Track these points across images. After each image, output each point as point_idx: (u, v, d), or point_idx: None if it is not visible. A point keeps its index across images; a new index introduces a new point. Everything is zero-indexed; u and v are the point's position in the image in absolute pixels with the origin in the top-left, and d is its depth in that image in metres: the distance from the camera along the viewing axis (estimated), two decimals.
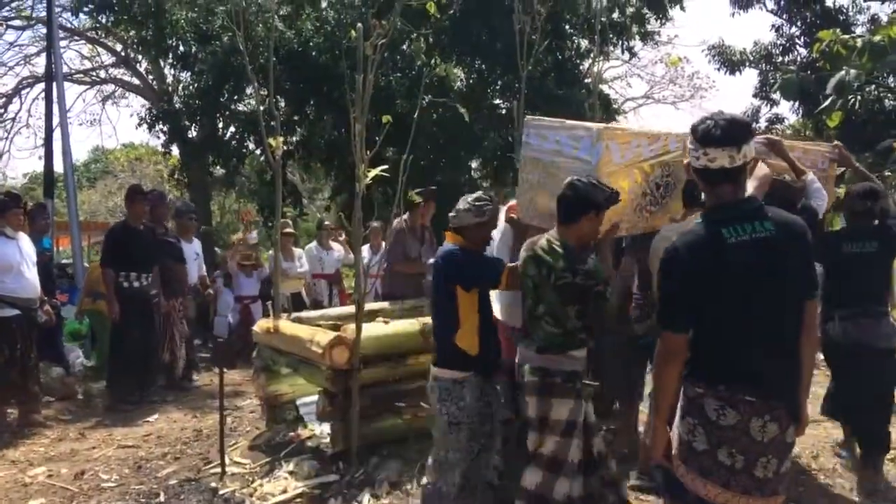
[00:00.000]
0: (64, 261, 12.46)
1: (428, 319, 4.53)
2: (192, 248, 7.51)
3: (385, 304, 5.73)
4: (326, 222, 9.45)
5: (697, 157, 2.32)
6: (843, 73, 5.21)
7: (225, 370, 4.47)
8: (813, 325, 2.41)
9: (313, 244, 8.82)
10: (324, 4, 13.08)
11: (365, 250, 7.08)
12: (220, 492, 4.05)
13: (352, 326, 4.09)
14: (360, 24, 4.18)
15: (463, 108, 11.17)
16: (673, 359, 2.33)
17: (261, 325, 5.04)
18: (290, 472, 4.12)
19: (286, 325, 4.72)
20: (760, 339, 2.27)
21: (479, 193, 3.44)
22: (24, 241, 5.78)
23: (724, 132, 2.25)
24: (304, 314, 5.45)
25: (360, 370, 4.01)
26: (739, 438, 2.25)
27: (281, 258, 8.17)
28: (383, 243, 6.78)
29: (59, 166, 10.28)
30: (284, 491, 3.93)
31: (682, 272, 2.30)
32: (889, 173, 8.43)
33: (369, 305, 4.95)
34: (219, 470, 4.30)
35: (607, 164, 3.42)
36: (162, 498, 4.09)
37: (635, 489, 3.81)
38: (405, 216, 5.97)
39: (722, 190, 2.32)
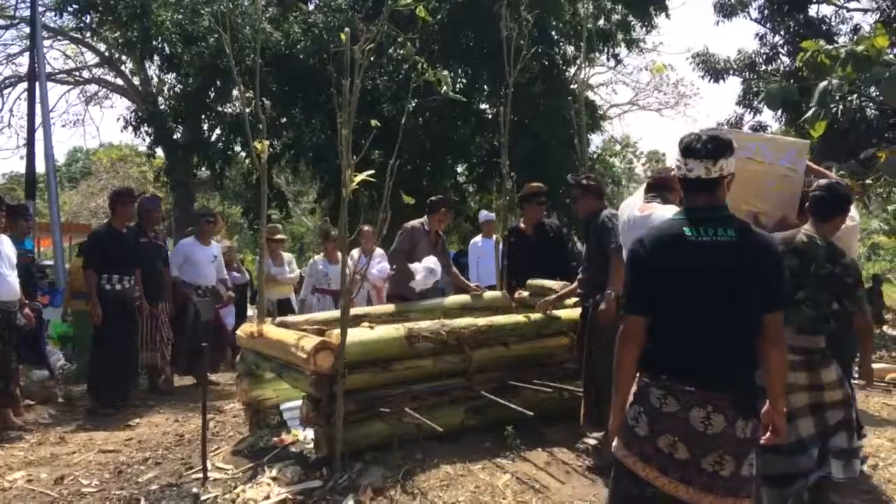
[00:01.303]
0: (45, 262, 12.35)
1: (412, 325, 4.54)
2: (210, 251, 7.47)
3: (371, 309, 5.72)
4: (334, 231, 9.01)
5: (679, 166, 2.53)
6: (825, 82, 5.27)
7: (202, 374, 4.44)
8: (778, 338, 2.49)
9: (318, 257, 8.27)
10: (311, 7, 13.07)
11: (355, 253, 7.05)
12: (202, 497, 4.01)
13: (337, 331, 4.07)
14: (348, 29, 4.17)
15: (452, 110, 11.24)
16: (629, 340, 2.50)
17: (245, 329, 5.01)
18: (273, 478, 4.09)
19: (271, 330, 4.69)
20: (706, 336, 2.42)
21: None
22: (5, 243, 5.71)
23: (703, 146, 2.48)
24: (290, 318, 5.43)
25: (344, 375, 3.99)
26: (681, 427, 2.39)
27: (270, 263, 8.12)
28: (377, 248, 6.74)
29: (41, 167, 10.21)
30: (267, 497, 3.90)
31: (642, 261, 2.50)
32: (870, 181, 8.53)
33: (355, 310, 4.93)
34: (201, 475, 4.25)
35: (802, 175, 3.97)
36: (143, 503, 4.05)
37: None
38: (424, 219, 6.01)
39: (697, 198, 2.53)
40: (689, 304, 2.43)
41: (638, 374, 2.52)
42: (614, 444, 2.54)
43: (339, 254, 8.38)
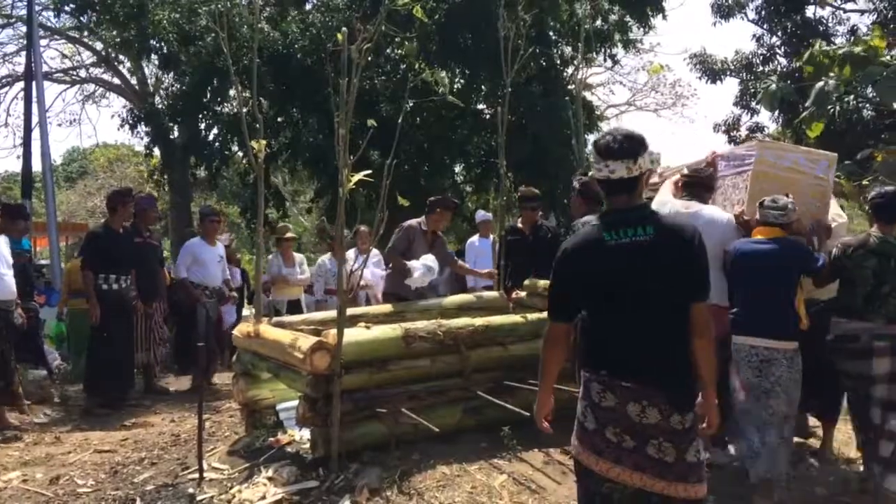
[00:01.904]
0: (41, 261, 12.33)
1: (409, 325, 4.53)
2: (216, 251, 7.25)
3: (367, 309, 5.71)
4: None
5: (600, 168, 2.54)
6: (822, 83, 5.28)
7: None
8: (704, 327, 2.53)
9: (326, 256, 8.12)
10: (308, 7, 13.06)
11: (351, 253, 7.03)
12: (198, 497, 4.01)
13: (333, 331, 4.06)
14: (345, 28, 4.17)
15: (451, 110, 11.25)
16: (552, 343, 2.64)
17: (241, 329, 5.00)
18: (270, 478, 4.08)
19: (267, 330, 4.68)
20: (636, 333, 2.47)
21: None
22: (1, 242, 5.69)
23: (621, 146, 2.49)
24: (286, 318, 5.42)
25: (341, 375, 3.99)
26: (620, 420, 2.47)
27: (281, 263, 7.99)
28: (374, 249, 6.72)
29: (37, 166, 10.18)
30: (263, 497, 3.89)
31: (564, 270, 2.58)
32: (867, 182, 8.53)
33: (351, 310, 4.92)
34: (196, 475, 4.25)
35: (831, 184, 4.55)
36: (138, 503, 4.04)
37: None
38: (422, 218, 6.02)
39: (618, 199, 2.55)
40: (615, 304, 2.49)
41: (581, 370, 2.62)
42: (572, 443, 2.63)
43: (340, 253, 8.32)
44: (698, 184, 4.38)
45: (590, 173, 2.59)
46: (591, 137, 17.24)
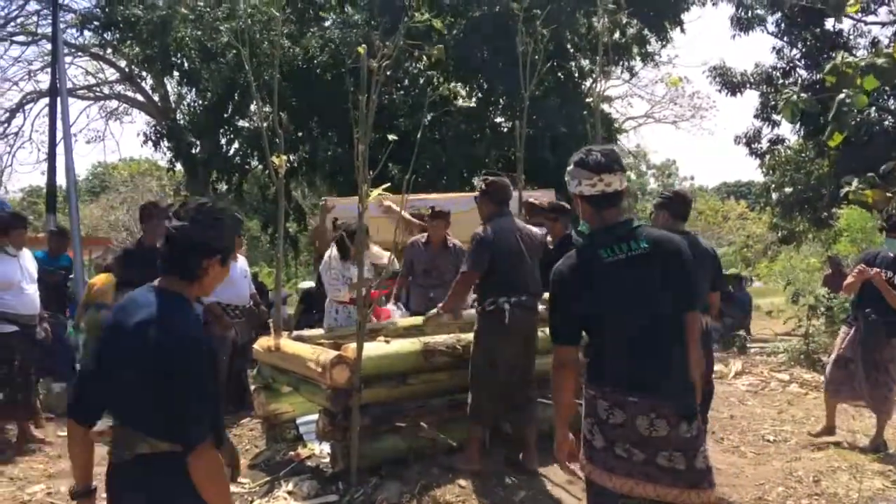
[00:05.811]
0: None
1: (428, 339, 4.52)
2: (239, 266, 6.44)
3: (386, 323, 5.71)
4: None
5: (594, 184, 2.52)
6: (842, 95, 5.23)
7: None
8: (694, 337, 2.56)
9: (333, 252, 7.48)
10: (328, 23, 13.20)
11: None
12: None
13: (353, 345, 4.07)
14: (365, 45, 4.20)
15: (470, 124, 11.29)
16: (563, 368, 2.56)
17: (262, 343, 5.03)
18: (290, 492, 4.09)
19: (287, 344, 4.71)
20: (640, 346, 2.46)
21: None
22: (26, 258, 5.75)
23: (610, 160, 2.52)
24: (306, 332, 5.43)
25: (360, 389, 4.00)
26: (629, 435, 2.45)
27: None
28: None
29: (61, 181, 10.34)
30: None
31: (564, 292, 2.55)
32: (890, 195, 8.40)
33: (371, 324, 4.93)
34: None
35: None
36: None
37: None
38: (425, 234, 6.08)
39: (609, 213, 2.55)
40: (618, 320, 2.47)
41: (584, 387, 2.57)
42: (582, 463, 2.57)
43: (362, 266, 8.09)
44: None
45: (580, 189, 2.49)
46: None
